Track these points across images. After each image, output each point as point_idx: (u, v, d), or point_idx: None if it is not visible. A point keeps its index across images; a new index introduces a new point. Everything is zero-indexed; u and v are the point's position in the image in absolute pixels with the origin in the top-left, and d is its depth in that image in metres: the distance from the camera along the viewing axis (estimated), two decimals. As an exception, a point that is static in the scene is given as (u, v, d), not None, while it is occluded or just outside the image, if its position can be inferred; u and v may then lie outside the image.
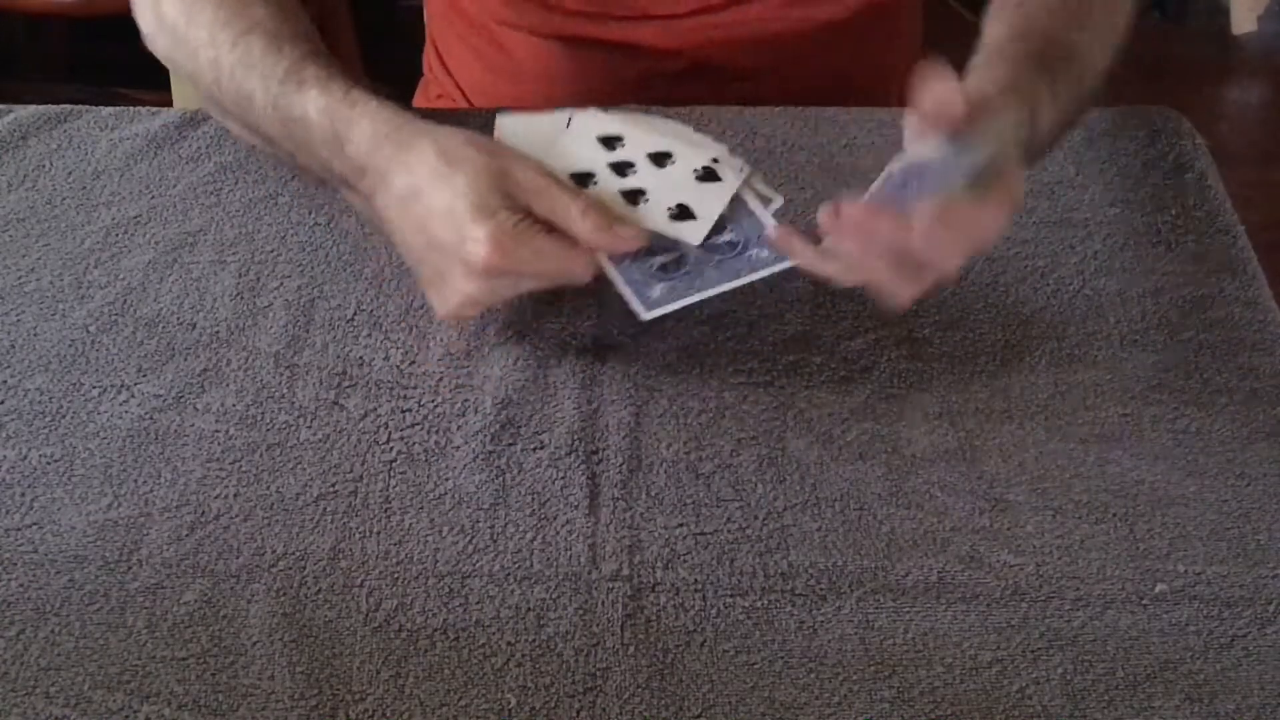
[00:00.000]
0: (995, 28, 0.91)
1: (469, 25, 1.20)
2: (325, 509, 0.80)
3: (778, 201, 0.87)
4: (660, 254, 0.84)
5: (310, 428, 0.84)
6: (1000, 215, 0.79)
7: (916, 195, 0.77)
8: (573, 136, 0.88)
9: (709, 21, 1.14)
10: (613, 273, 0.84)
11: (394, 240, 0.87)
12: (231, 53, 0.92)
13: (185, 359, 0.88)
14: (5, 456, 0.83)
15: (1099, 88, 0.92)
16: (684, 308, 0.83)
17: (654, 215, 0.85)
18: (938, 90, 0.77)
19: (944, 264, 0.79)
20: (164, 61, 1.02)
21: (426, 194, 0.83)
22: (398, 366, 0.88)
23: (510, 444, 0.83)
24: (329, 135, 0.88)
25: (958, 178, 0.77)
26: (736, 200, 0.86)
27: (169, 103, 1.59)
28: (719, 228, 0.85)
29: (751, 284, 0.84)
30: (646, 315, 0.83)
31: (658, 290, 0.83)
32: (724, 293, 0.84)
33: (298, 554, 0.78)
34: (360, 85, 0.90)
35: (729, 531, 0.78)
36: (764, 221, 0.86)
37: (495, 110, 0.93)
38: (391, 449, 0.83)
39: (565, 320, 0.90)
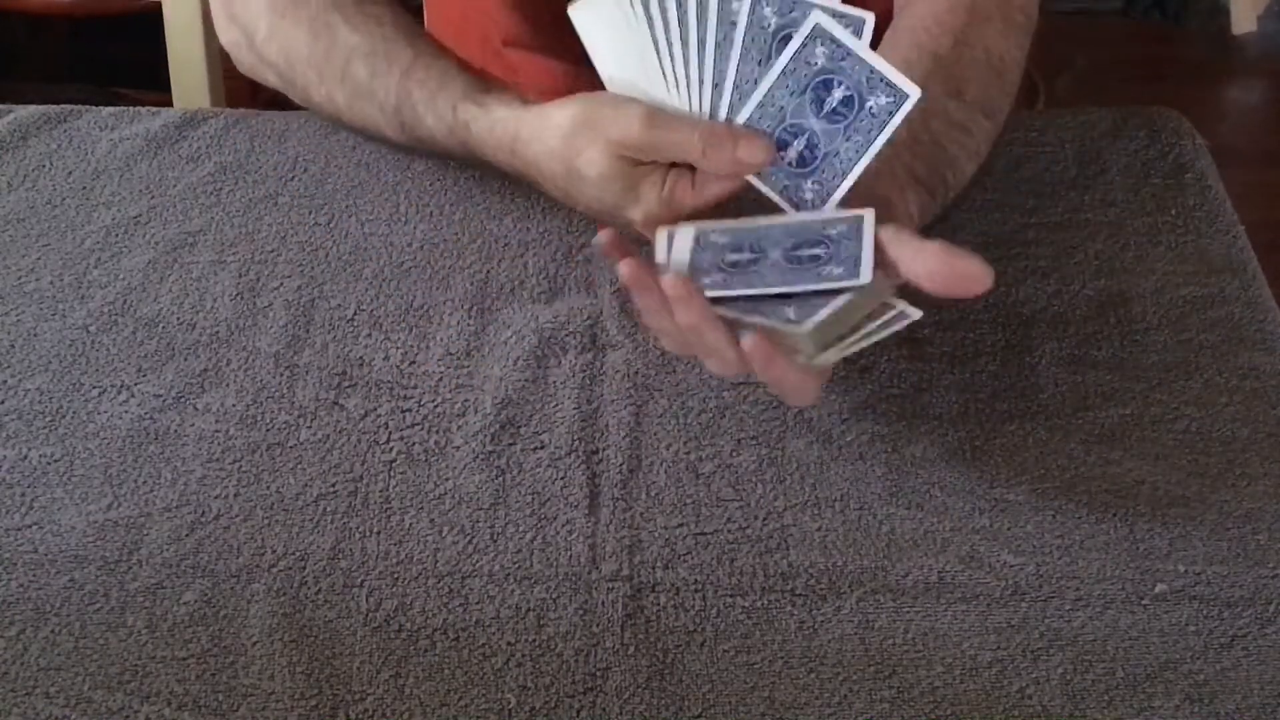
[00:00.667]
0: None
1: (478, 43, 1.19)
2: (325, 509, 0.80)
3: (864, 17, 0.76)
4: (790, 141, 0.77)
5: (310, 428, 0.84)
6: (809, 390, 0.77)
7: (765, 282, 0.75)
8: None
9: None
10: (760, 186, 0.79)
11: None
12: (341, 88, 0.97)
13: (185, 359, 0.88)
14: (5, 456, 0.83)
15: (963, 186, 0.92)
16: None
17: (775, 102, 0.77)
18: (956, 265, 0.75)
19: (721, 374, 0.79)
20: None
21: (576, 197, 0.85)
22: (398, 366, 0.88)
23: (510, 444, 0.83)
24: (467, 154, 0.93)
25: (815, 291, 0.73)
26: (821, 34, 0.76)
27: (169, 103, 1.59)
28: (827, 84, 0.76)
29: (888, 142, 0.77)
30: None
31: (808, 190, 0.78)
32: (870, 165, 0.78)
33: (298, 554, 0.78)
34: (466, 91, 0.92)
35: (729, 531, 0.78)
36: (861, 55, 0.76)
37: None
38: (391, 449, 0.83)
39: (565, 320, 0.90)
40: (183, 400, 0.86)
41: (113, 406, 0.85)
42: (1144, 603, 0.75)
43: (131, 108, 1.07)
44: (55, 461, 0.82)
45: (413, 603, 0.75)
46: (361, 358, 0.88)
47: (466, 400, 0.85)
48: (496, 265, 0.94)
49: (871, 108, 0.76)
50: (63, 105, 1.07)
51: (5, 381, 0.87)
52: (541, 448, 0.83)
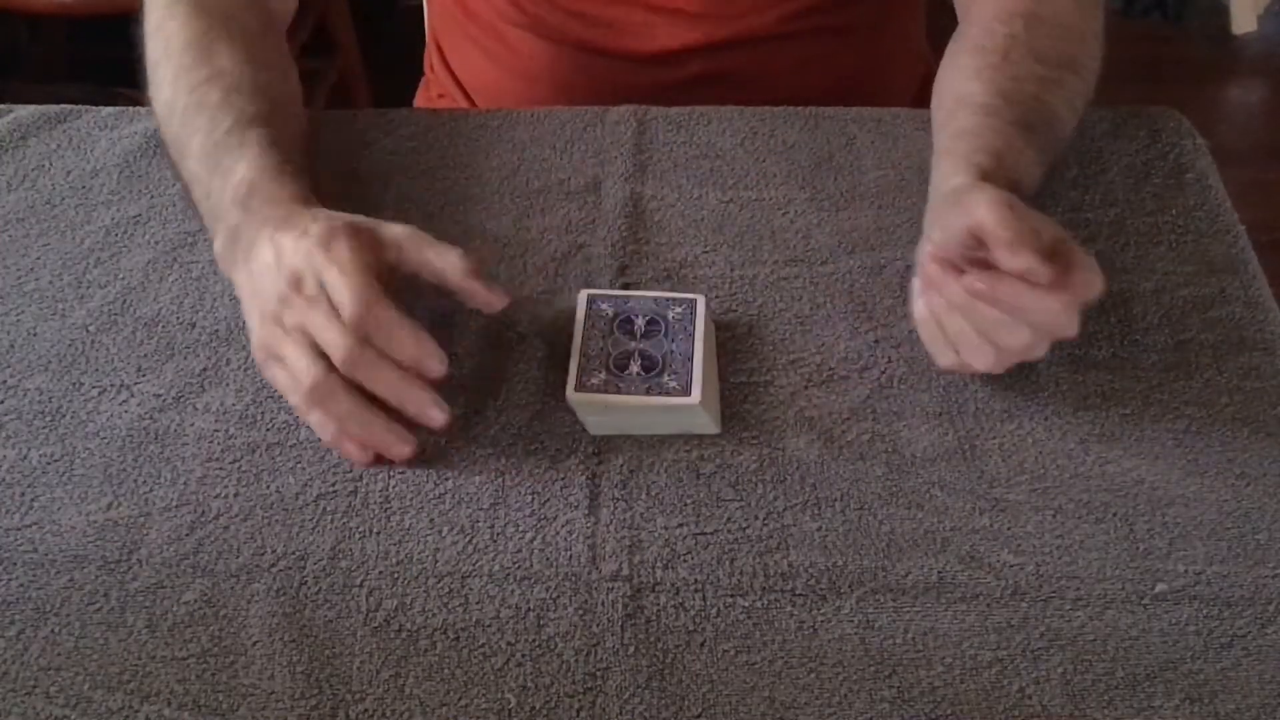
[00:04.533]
0: (977, 87, 0.91)
1: (476, 24, 1.20)
2: (325, 509, 0.80)
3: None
4: (626, 363, 0.84)
5: (310, 428, 0.84)
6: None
7: None
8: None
9: (719, 30, 1.14)
10: (627, 397, 0.83)
11: None
12: (190, 96, 0.91)
13: (185, 359, 0.88)
14: (5, 456, 0.83)
15: (1069, 143, 0.96)
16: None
17: None
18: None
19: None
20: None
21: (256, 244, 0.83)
22: (398, 366, 0.87)
23: (510, 444, 0.83)
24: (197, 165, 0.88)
25: None
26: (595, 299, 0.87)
27: (169, 103, 1.58)
28: (628, 319, 0.86)
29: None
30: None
31: (670, 383, 0.83)
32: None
33: (298, 554, 0.78)
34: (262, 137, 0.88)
35: (729, 531, 0.78)
36: (638, 293, 0.87)
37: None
38: (391, 449, 0.83)
39: (565, 321, 0.90)
40: (183, 400, 0.86)
41: (113, 406, 0.85)
42: (1144, 603, 0.75)
43: (131, 108, 1.07)
44: (55, 461, 0.82)
45: (413, 603, 0.75)
46: (361, 358, 0.88)
47: (467, 400, 0.85)
48: (496, 265, 0.94)
49: (671, 318, 0.85)
50: (63, 105, 1.07)
51: (5, 381, 0.87)
52: (542, 448, 0.83)
